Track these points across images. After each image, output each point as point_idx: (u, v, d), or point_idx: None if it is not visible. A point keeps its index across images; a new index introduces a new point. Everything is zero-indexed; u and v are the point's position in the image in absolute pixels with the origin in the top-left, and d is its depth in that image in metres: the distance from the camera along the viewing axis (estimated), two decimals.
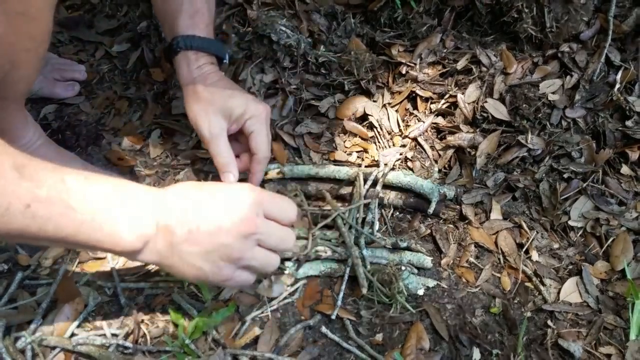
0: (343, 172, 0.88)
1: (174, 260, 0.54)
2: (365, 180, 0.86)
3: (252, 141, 0.76)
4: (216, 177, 0.92)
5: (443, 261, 0.81)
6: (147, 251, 0.54)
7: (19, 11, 0.59)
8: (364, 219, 0.83)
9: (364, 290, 0.73)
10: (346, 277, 0.76)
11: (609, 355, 0.71)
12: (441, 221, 0.87)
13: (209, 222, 0.53)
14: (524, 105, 0.91)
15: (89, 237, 0.49)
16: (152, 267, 0.78)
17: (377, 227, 0.82)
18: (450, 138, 0.94)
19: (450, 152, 0.93)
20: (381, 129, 0.97)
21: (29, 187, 0.45)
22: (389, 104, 1.00)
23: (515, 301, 0.77)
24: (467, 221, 0.86)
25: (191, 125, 0.77)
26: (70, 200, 0.47)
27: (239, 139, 0.80)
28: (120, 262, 0.78)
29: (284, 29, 0.96)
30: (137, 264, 0.78)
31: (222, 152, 0.74)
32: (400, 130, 0.98)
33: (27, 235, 0.47)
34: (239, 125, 0.76)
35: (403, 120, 0.99)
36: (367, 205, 0.83)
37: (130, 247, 0.52)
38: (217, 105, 0.74)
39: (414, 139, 0.96)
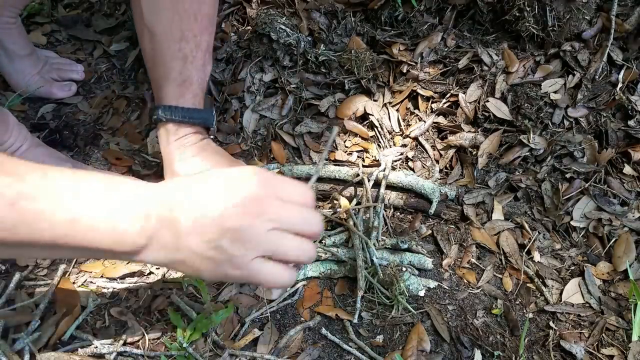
0: (343, 172, 0.87)
1: (185, 255, 0.48)
2: (367, 181, 0.85)
3: None
4: None
5: (444, 262, 0.81)
6: (153, 248, 0.48)
7: None
8: (372, 223, 0.82)
9: (361, 293, 0.72)
10: (363, 279, 0.75)
11: (611, 357, 0.70)
12: (442, 221, 0.86)
13: (213, 208, 0.47)
14: (526, 105, 0.90)
15: (85, 237, 0.45)
16: (151, 268, 0.77)
17: (381, 230, 0.81)
18: (451, 138, 0.93)
19: (451, 151, 0.93)
20: (382, 128, 0.96)
21: (10, 182, 0.41)
22: (390, 103, 0.99)
23: (517, 302, 0.77)
24: (468, 221, 0.85)
25: None
26: (61, 197, 0.43)
27: None
28: (118, 263, 0.78)
29: (283, 27, 0.95)
30: (137, 266, 0.78)
31: None
32: (401, 129, 0.97)
33: (15, 241, 0.42)
34: None
35: (404, 120, 0.98)
36: (374, 208, 0.83)
37: (133, 244, 0.46)
38: None
39: (415, 139, 0.95)
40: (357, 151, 0.95)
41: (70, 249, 0.46)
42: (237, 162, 0.77)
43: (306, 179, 0.89)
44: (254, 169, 0.50)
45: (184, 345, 0.66)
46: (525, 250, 0.82)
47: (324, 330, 0.71)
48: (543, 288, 0.77)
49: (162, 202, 0.48)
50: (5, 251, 0.45)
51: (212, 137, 0.81)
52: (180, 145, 0.74)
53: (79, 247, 0.45)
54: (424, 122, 0.96)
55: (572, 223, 0.84)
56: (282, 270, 0.49)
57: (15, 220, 0.41)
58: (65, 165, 0.83)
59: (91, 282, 0.75)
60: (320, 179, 0.88)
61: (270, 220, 0.48)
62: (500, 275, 0.80)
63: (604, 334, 0.72)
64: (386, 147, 0.95)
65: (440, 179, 0.90)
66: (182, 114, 0.73)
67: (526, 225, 0.84)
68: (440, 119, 0.96)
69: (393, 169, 0.90)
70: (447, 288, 0.78)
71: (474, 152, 0.90)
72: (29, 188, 0.42)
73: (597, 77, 0.92)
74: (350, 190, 0.86)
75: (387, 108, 0.99)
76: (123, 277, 0.76)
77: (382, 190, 0.85)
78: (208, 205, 0.47)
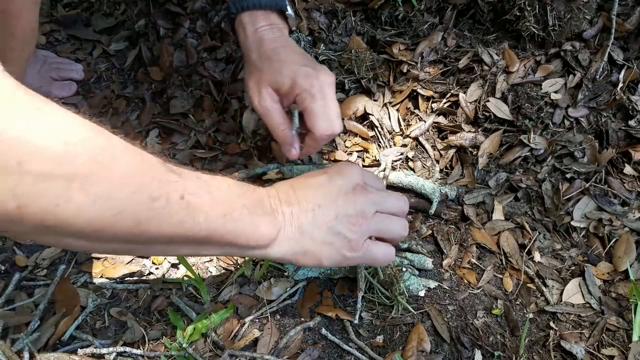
0: None
1: (308, 245, 0.55)
2: None
3: (306, 119, 0.68)
4: None
5: (444, 262, 0.80)
6: (280, 241, 0.54)
7: None
8: None
9: (361, 293, 0.72)
10: (363, 280, 0.75)
11: (611, 357, 0.70)
12: (442, 222, 0.86)
13: (324, 200, 0.55)
14: (526, 105, 0.90)
15: (232, 230, 0.49)
16: (151, 268, 0.77)
17: None
18: (451, 137, 0.93)
19: (451, 151, 0.93)
20: (382, 128, 0.96)
21: (178, 179, 0.45)
22: (390, 103, 0.99)
23: (517, 302, 0.77)
24: (468, 222, 0.85)
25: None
26: (213, 193, 0.48)
27: None
28: (118, 264, 0.78)
29: None
30: (137, 266, 0.78)
31: (277, 126, 0.69)
32: (401, 129, 0.97)
33: (179, 234, 0.46)
34: (289, 100, 0.69)
35: (404, 120, 0.98)
36: None
37: (268, 236, 0.53)
38: (266, 77, 0.68)
39: (415, 139, 0.95)
40: (357, 151, 0.95)
41: (214, 245, 0.51)
42: (312, 61, 0.73)
43: None
44: (345, 163, 0.61)
45: (184, 345, 0.66)
46: (526, 250, 0.82)
47: (324, 331, 0.71)
48: (543, 288, 0.77)
49: (284, 201, 0.55)
50: (153, 248, 0.49)
51: (293, 28, 0.77)
52: (256, 39, 0.71)
53: (222, 242, 0.50)
54: (424, 122, 0.96)
55: (573, 223, 0.84)
56: (388, 248, 0.60)
57: (183, 212, 0.45)
58: None
59: (91, 282, 0.75)
60: None
61: (374, 204, 0.57)
62: (500, 276, 0.80)
63: (604, 334, 0.72)
64: (386, 147, 0.95)
65: (440, 179, 0.90)
66: (251, 1, 0.71)
67: (526, 225, 0.84)
68: (441, 119, 0.96)
69: (393, 169, 0.90)
70: (447, 288, 0.78)
71: (474, 152, 0.90)
72: (192, 185, 0.46)
73: (597, 76, 0.92)
74: None
75: (387, 108, 0.98)
76: (123, 277, 0.76)
77: None
78: (322, 198, 0.56)
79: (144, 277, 0.77)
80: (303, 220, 0.55)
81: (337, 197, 0.56)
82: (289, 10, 0.74)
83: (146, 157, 0.44)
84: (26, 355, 0.64)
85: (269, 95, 0.69)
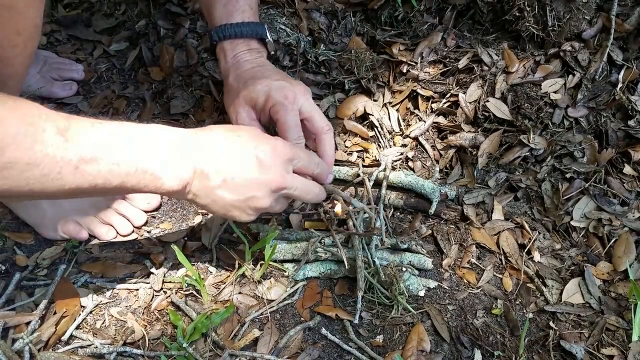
0: (343, 172, 0.87)
1: (208, 202, 0.59)
2: (367, 181, 0.85)
3: (279, 129, 0.70)
4: None
5: (444, 262, 0.81)
6: (185, 192, 0.58)
7: (5, 5, 0.57)
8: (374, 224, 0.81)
9: (360, 293, 0.72)
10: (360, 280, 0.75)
11: (611, 357, 0.70)
12: (442, 222, 0.86)
13: (242, 175, 0.58)
14: (526, 105, 0.90)
15: (136, 184, 0.54)
16: (151, 268, 0.77)
17: (383, 231, 0.81)
18: (451, 138, 0.93)
19: (451, 151, 0.93)
20: (382, 128, 0.96)
21: (75, 150, 0.48)
22: (390, 103, 0.99)
23: (517, 302, 0.77)
24: (468, 222, 0.85)
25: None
26: (114, 157, 0.51)
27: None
28: (118, 264, 0.78)
29: (283, 27, 0.95)
30: (137, 266, 0.78)
31: None
32: (401, 129, 0.97)
33: (79, 191, 0.51)
34: (266, 115, 0.71)
35: (404, 120, 0.98)
36: (375, 209, 0.82)
37: (171, 189, 0.56)
38: (243, 95, 0.71)
39: (415, 139, 0.95)
40: (357, 151, 0.95)
41: (124, 191, 0.59)
42: (287, 77, 0.74)
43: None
44: (283, 145, 0.62)
45: (184, 345, 0.67)
46: (525, 250, 0.82)
47: (324, 330, 0.71)
48: (543, 288, 0.77)
49: (198, 156, 0.57)
50: (69, 195, 0.52)
51: (272, 52, 0.80)
52: (234, 62, 0.75)
53: (130, 190, 0.55)
54: (424, 122, 0.96)
55: (572, 223, 0.84)
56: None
57: (79, 179, 0.49)
58: None
59: (91, 282, 0.75)
60: None
61: (284, 194, 0.62)
62: (500, 275, 0.80)
63: (604, 334, 0.72)
64: (386, 147, 0.95)
65: (440, 179, 0.90)
66: (234, 29, 0.74)
67: (526, 225, 0.84)
68: (440, 119, 0.96)
69: (393, 169, 0.90)
70: (447, 288, 0.78)
71: (474, 152, 0.90)
72: (90, 153, 0.49)
73: (597, 77, 0.92)
74: (350, 190, 0.86)
75: (387, 108, 0.99)
76: (123, 277, 0.76)
77: (384, 190, 0.85)
78: (241, 172, 0.58)
79: (144, 277, 0.77)
80: (212, 184, 0.58)
81: (255, 180, 0.59)
82: (269, 37, 0.78)
83: (32, 128, 0.46)
84: (26, 355, 0.64)
85: (245, 112, 0.71)
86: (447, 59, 0.99)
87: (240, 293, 0.75)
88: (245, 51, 0.75)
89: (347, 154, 0.95)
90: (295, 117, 0.70)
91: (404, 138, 0.96)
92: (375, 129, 0.97)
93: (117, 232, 0.81)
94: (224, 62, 0.76)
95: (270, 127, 0.73)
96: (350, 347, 0.70)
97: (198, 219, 0.84)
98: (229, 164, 0.58)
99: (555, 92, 0.91)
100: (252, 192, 0.59)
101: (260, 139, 0.61)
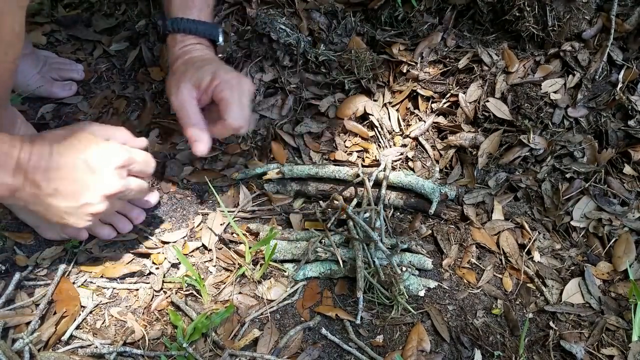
0: (343, 172, 0.87)
1: (41, 209, 0.61)
2: (367, 181, 0.85)
3: (221, 108, 0.71)
4: (224, 177, 0.92)
5: (444, 262, 0.81)
6: (17, 198, 0.59)
7: None
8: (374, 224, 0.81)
9: (360, 293, 0.72)
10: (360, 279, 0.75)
11: (611, 357, 0.70)
12: (442, 222, 0.86)
13: (76, 182, 0.59)
14: (526, 105, 0.90)
15: None
16: (151, 268, 0.77)
17: (383, 232, 0.81)
18: (451, 138, 0.93)
19: (451, 151, 0.93)
20: (382, 128, 0.96)
21: None
22: (390, 103, 0.99)
23: (517, 302, 0.77)
24: (468, 222, 0.85)
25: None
26: None
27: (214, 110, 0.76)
28: (118, 264, 0.78)
29: (283, 27, 0.95)
30: (137, 266, 0.78)
31: (190, 120, 0.71)
32: (401, 129, 0.97)
33: None
34: (208, 94, 0.72)
35: (404, 120, 0.98)
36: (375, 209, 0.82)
37: (6, 192, 0.58)
38: (187, 76, 0.72)
39: (415, 139, 0.95)
40: (357, 151, 0.95)
41: None
42: (236, 71, 0.76)
43: (306, 179, 0.89)
44: (116, 151, 0.63)
45: (184, 345, 0.66)
46: (525, 250, 0.82)
47: (324, 330, 0.71)
48: (543, 288, 0.77)
49: (29, 165, 0.57)
50: None
51: (220, 55, 0.81)
52: (184, 51, 0.76)
53: None
54: (424, 122, 0.96)
55: (572, 223, 0.84)
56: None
57: None
58: None
59: (91, 282, 0.75)
60: (321, 179, 0.88)
61: (119, 198, 0.64)
62: (500, 275, 0.80)
63: (604, 334, 0.72)
64: (386, 147, 0.95)
65: (440, 179, 0.90)
66: (189, 25, 0.76)
67: (526, 225, 0.84)
68: (440, 119, 0.96)
69: (393, 169, 0.90)
70: (447, 288, 0.78)
71: (474, 152, 0.90)
72: None
73: (597, 77, 0.92)
74: (350, 190, 0.86)
75: (387, 108, 0.99)
76: (123, 277, 0.76)
77: (384, 191, 0.85)
78: (74, 179, 0.59)
79: (144, 277, 0.77)
80: (43, 192, 0.59)
81: (89, 187, 0.60)
82: (220, 41, 0.79)
83: None
84: (26, 355, 0.64)
85: (187, 90, 0.71)
86: (447, 59, 0.99)
87: (240, 293, 0.75)
88: (197, 44, 0.77)
89: (347, 154, 0.95)
90: (240, 97, 0.71)
91: (404, 138, 0.96)
92: (375, 129, 0.97)
93: (117, 231, 0.81)
94: (172, 51, 0.77)
95: (207, 111, 0.73)
96: (351, 347, 0.70)
97: (198, 219, 0.84)
98: (60, 172, 0.59)
99: (555, 92, 0.91)
100: (85, 199, 0.60)
101: (93, 145, 0.62)
